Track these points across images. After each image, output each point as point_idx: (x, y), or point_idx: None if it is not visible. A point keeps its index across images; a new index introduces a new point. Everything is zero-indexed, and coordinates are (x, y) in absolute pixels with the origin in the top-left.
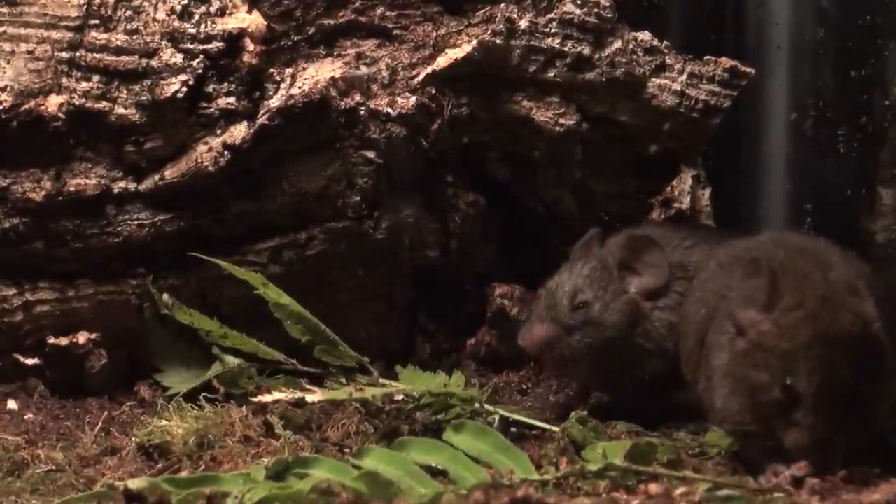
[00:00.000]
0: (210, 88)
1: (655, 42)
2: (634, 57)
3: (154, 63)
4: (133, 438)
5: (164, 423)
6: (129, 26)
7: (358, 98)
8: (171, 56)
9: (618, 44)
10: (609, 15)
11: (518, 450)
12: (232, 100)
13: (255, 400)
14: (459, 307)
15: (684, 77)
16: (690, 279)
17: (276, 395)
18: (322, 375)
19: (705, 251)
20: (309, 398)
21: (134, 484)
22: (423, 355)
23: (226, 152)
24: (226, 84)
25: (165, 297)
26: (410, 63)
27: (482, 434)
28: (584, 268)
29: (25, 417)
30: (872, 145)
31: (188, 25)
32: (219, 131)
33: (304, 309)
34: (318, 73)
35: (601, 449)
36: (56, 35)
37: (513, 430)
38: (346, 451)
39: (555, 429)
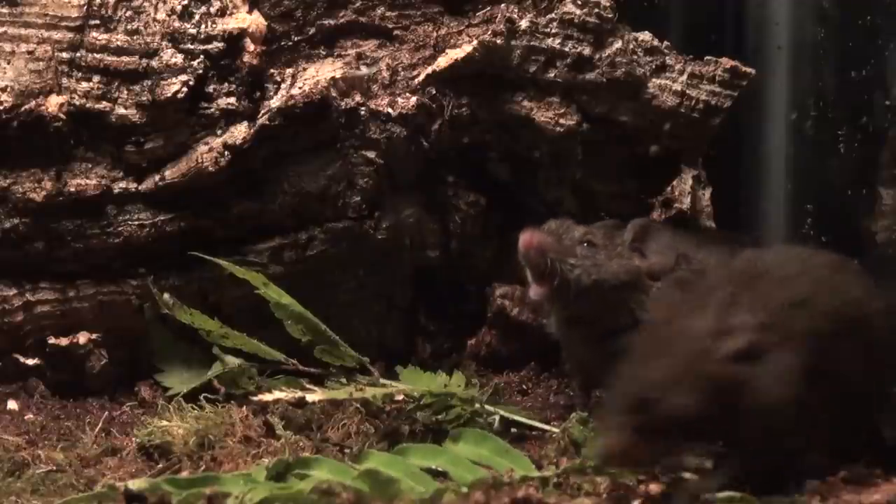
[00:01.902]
0: (210, 88)
1: (656, 42)
2: (635, 57)
3: (154, 63)
4: (133, 439)
5: (164, 423)
6: (129, 26)
7: (358, 98)
8: (171, 56)
9: (618, 44)
10: (609, 15)
11: (518, 453)
12: (232, 100)
13: (255, 399)
14: (460, 307)
15: (685, 77)
16: (691, 271)
17: (277, 395)
18: (322, 376)
19: (712, 250)
20: (310, 397)
21: (134, 484)
22: (424, 355)
23: (226, 152)
24: (226, 84)
25: (166, 296)
26: (411, 63)
27: (482, 440)
28: (600, 228)
29: (26, 418)
30: (873, 145)
31: (188, 26)
32: (219, 131)
33: (304, 309)
34: (319, 74)
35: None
36: (56, 35)
37: (513, 430)
38: (347, 451)
39: (555, 430)
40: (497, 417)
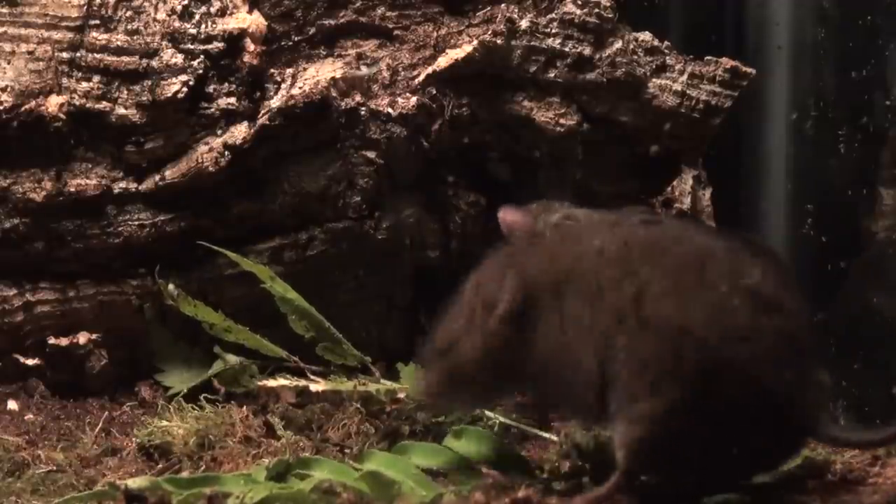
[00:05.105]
0: (211, 89)
1: (656, 42)
2: (635, 57)
3: (154, 63)
4: (134, 439)
5: (164, 423)
6: (129, 26)
7: (358, 98)
8: (171, 56)
9: (618, 44)
10: (609, 15)
11: (519, 454)
12: (232, 100)
13: (259, 384)
14: None
15: (685, 77)
16: None
17: (281, 381)
18: (324, 374)
19: None
20: (313, 387)
21: (134, 483)
22: None
23: (226, 152)
24: (226, 84)
25: (171, 287)
26: (411, 63)
27: (482, 439)
28: (593, 213)
29: (26, 418)
30: (873, 145)
31: (189, 26)
32: (219, 131)
33: (309, 305)
34: (319, 74)
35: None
36: (56, 35)
37: (513, 430)
38: (347, 451)
39: (553, 438)
40: (497, 421)
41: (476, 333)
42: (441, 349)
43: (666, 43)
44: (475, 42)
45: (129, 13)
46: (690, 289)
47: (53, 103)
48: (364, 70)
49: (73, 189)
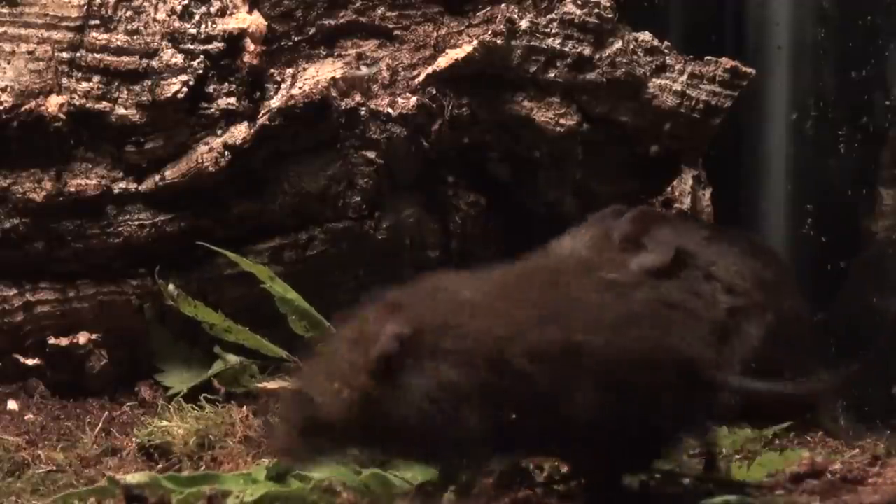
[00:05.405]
0: (211, 89)
1: (656, 42)
2: (635, 57)
3: (154, 63)
4: (134, 439)
5: (164, 423)
6: (129, 26)
7: (358, 98)
8: (171, 56)
9: (618, 44)
10: (609, 15)
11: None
12: (232, 100)
13: (259, 386)
14: None
15: (685, 77)
16: (697, 267)
17: (281, 382)
18: None
19: (723, 248)
20: None
21: (134, 478)
22: None
23: (226, 152)
24: (226, 84)
25: (171, 287)
26: (411, 63)
27: None
28: (585, 233)
29: (26, 418)
30: (873, 145)
31: (189, 26)
32: (219, 131)
33: (309, 305)
34: (319, 74)
35: None
36: (56, 35)
37: None
38: None
39: None
40: None
41: (343, 386)
42: (302, 400)
43: (666, 43)
44: (475, 42)
45: (129, 13)
46: (557, 306)
47: (53, 103)
48: (364, 70)
49: (73, 189)
